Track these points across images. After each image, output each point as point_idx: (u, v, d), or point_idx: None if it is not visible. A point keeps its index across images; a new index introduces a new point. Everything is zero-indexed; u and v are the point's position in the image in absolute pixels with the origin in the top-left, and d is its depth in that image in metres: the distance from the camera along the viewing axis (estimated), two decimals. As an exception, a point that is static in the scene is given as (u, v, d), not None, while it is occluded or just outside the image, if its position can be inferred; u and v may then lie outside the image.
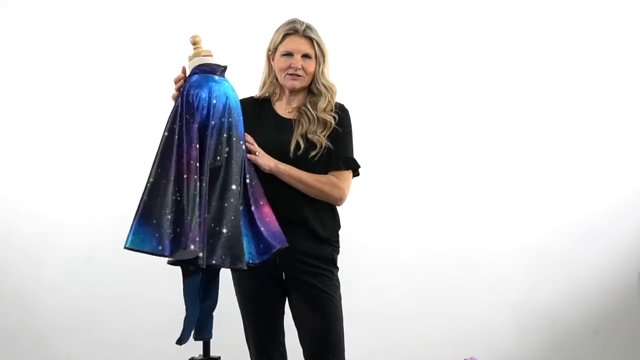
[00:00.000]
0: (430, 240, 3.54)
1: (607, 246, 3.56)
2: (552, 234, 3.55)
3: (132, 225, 2.01)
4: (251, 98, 2.39)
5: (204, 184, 2.04)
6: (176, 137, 2.06)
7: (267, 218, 2.16)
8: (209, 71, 2.14)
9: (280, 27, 2.33)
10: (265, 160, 2.20)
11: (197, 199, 2.02)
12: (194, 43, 2.18)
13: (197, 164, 2.04)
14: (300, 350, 2.36)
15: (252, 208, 2.15)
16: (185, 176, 2.02)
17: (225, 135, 2.09)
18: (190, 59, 2.19)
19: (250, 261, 2.12)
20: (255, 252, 2.14)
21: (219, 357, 2.21)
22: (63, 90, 3.51)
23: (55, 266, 3.49)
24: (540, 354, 3.56)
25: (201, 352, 2.23)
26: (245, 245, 2.10)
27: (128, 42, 3.51)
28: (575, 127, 3.58)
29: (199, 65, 2.15)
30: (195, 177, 2.03)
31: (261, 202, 2.17)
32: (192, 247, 1.97)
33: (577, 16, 3.59)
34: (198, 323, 2.16)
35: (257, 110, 2.34)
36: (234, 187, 2.08)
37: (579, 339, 3.56)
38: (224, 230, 2.04)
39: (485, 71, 3.58)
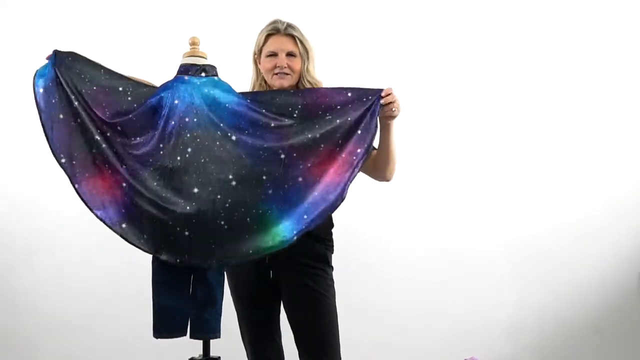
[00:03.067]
0: (431, 241, 3.54)
1: (607, 246, 3.57)
2: (552, 234, 3.55)
3: None
4: None
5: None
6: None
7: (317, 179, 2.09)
8: (182, 71, 2.16)
9: (263, 29, 2.34)
10: (397, 113, 2.27)
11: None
12: (192, 44, 2.20)
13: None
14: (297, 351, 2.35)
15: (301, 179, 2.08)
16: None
17: (188, 135, 2.08)
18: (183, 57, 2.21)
19: (286, 238, 2.06)
20: (291, 225, 2.07)
21: (219, 357, 2.21)
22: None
23: (54, 266, 3.48)
24: (540, 354, 3.56)
25: (201, 352, 2.22)
26: (280, 224, 2.06)
27: (130, 44, 3.51)
28: (575, 128, 3.59)
29: (179, 67, 2.18)
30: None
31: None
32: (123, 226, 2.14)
33: (577, 16, 3.60)
34: (192, 321, 2.15)
35: None
36: (196, 190, 2.05)
37: (579, 339, 3.56)
38: (186, 233, 2.04)
39: (485, 72, 3.58)
